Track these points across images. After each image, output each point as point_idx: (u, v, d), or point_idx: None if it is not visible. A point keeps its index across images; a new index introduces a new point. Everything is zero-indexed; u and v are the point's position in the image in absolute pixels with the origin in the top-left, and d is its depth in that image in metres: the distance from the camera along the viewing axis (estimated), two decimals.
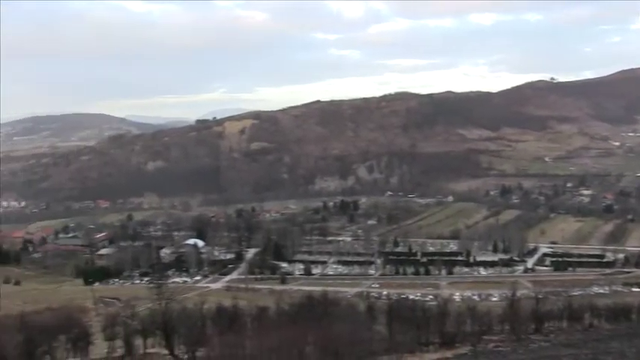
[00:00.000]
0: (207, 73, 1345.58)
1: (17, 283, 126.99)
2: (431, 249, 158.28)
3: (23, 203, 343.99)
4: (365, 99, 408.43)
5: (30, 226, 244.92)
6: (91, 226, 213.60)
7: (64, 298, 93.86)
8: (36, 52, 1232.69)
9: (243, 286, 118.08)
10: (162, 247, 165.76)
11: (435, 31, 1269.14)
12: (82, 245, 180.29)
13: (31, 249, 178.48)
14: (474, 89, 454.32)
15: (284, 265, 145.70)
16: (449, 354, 40.49)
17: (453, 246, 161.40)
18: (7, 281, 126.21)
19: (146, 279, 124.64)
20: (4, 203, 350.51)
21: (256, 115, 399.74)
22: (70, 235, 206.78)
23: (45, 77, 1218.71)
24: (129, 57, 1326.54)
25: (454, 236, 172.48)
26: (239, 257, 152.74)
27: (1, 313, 65.63)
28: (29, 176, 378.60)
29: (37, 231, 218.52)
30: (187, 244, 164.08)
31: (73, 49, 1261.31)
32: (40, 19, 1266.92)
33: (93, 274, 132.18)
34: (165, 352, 50.54)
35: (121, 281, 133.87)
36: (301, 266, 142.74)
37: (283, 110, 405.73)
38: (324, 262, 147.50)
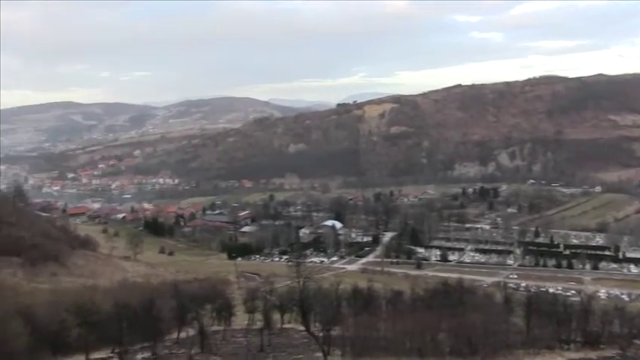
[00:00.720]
0: (347, 58, 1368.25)
1: (170, 253, 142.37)
2: (574, 241, 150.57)
3: (176, 181, 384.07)
4: (507, 83, 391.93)
5: (182, 202, 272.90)
6: (236, 205, 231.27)
7: (210, 270, 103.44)
8: (188, 41, 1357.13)
9: (378, 269, 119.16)
10: (301, 227, 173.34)
11: (585, 11, 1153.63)
12: (226, 222, 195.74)
13: (182, 223, 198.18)
14: (630, 71, 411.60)
15: (420, 250, 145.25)
16: (593, 355, 37.18)
17: (599, 240, 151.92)
18: (161, 251, 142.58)
19: (285, 257, 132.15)
20: (161, 180, 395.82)
21: (396, 99, 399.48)
22: (216, 212, 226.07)
23: (196, 64, 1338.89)
24: (273, 43, 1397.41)
25: (601, 229, 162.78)
26: (375, 240, 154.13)
27: (158, 279, 74.57)
28: (182, 156, 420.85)
29: (188, 207, 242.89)
30: (325, 225, 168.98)
31: (222, 36, 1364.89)
32: (193, 10, 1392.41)
33: (236, 250, 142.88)
34: (301, 328, 52.95)
35: (262, 258, 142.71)
36: (438, 252, 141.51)
37: (423, 94, 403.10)
38: (461, 250, 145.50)
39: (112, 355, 36.12)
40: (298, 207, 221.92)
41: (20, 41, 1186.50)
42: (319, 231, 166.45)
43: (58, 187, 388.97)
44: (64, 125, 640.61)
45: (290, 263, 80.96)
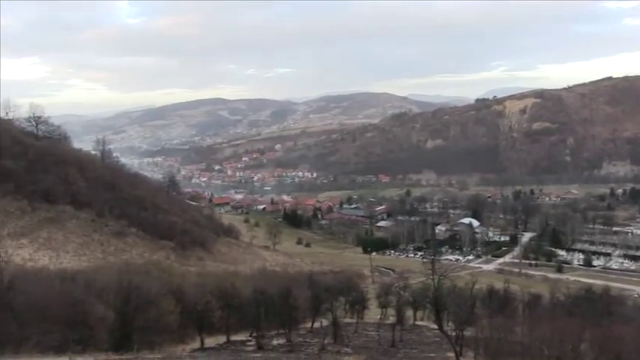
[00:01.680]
0: (486, 51, 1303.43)
1: (307, 245, 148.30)
2: None
3: (315, 174, 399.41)
4: None
5: (319, 195, 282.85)
6: (372, 199, 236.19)
7: (345, 263, 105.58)
8: (328, 38, 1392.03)
9: (516, 270, 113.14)
10: (437, 224, 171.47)
11: None
12: (362, 216, 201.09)
13: (319, 216, 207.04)
14: None
15: (561, 253, 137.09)
16: None
17: None
18: (299, 242, 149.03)
19: (420, 253, 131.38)
20: (300, 174, 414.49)
21: (539, 94, 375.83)
22: (352, 206, 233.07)
23: (335, 60, 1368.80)
24: (411, 37, 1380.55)
25: None
26: (513, 240, 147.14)
27: (294, 269, 77.95)
28: (320, 150, 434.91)
29: (325, 200, 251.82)
30: (462, 223, 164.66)
31: (360, 32, 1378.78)
32: (334, 7, 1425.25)
33: (371, 244, 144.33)
34: (434, 326, 51.95)
35: (396, 253, 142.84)
36: (580, 256, 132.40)
37: (568, 88, 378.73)
38: (607, 254, 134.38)
39: (250, 338, 38.47)
40: (435, 203, 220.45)
41: (176, 44, 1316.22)
42: (455, 228, 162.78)
43: (205, 178, 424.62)
44: (212, 120, 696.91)
45: (425, 260, 79.84)
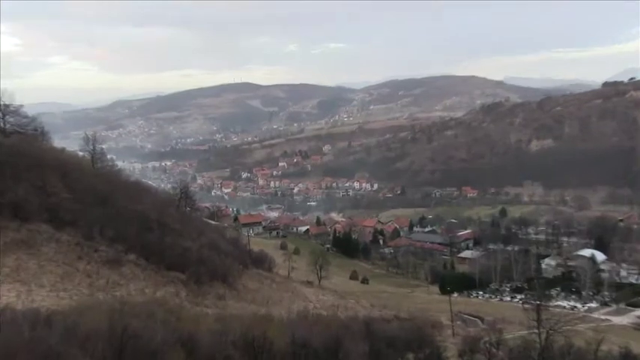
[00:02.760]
0: (622, 16, 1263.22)
1: (365, 280, 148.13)
2: None
3: (375, 186, 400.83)
4: None
5: (382, 215, 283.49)
6: (453, 220, 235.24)
7: (416, 306, 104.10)
8: (395, 6, 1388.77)
9: None
10: (544, 257, 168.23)
11: None
12: (440, 243, 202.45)
13: (381, 242, 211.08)
14: None
15: None
16: None
17: None
18: (353, 277, 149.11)
19: (519, 297, 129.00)
20: (356, 185, 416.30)
21: None
22: (427, 229, 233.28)
23: (406, 35, 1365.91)
24: (510, 2, 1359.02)
25: None
26: None
27: (347, 313, 77.47)
28: (384, 153, 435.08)
29: (390, 221, 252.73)
30: (580, 256, 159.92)
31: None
32: None
33: (451, 282, 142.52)
34: None
35: (486, 295, 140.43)
36: None
37: None
38: None
39: None
40: (541, 228, 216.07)
41: (193, 11, 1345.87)
42: (571, 263, 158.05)
43: (229, 190, 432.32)
44: (239, 112, 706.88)
45: (527, 306, 77.82)
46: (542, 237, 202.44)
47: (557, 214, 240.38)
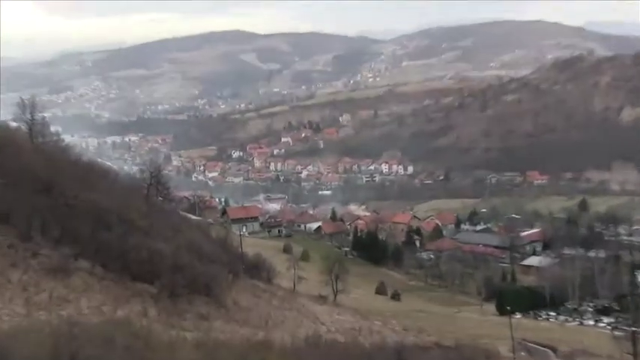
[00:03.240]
0: None
1: (395, 295, 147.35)
2: None
3: (410, 169, 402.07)
4: None
5: (419, 207, 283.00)
6: (515, 216, 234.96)
7: (464, 331, 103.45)
8: None
9: None
10: None
11: None
12: (496, 247, 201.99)
13: (417, 244, 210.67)
14: None
15: None
16: None
17: None
18: (380, 291, 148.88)
19: (607, 320, 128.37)
20: (384, 167, 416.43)
21: None
22: (479, 227, 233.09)
23: None
24: None
25: None
26: None
27: (371, 339, 77.16)
28: (421, 126, 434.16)
29: (429, 216, 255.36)
30: None
31: None
32: None
33: (512, 299, 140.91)
34: None
35: (561, 318, 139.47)
36: None
37: None
38: None
39: None
40: (636, 227, 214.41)
41: None
42: None
43: (215, 173, 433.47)
44: (229, 71, 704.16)
45: (617, 333, 77.13)
46: (635, 239, 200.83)
47: None
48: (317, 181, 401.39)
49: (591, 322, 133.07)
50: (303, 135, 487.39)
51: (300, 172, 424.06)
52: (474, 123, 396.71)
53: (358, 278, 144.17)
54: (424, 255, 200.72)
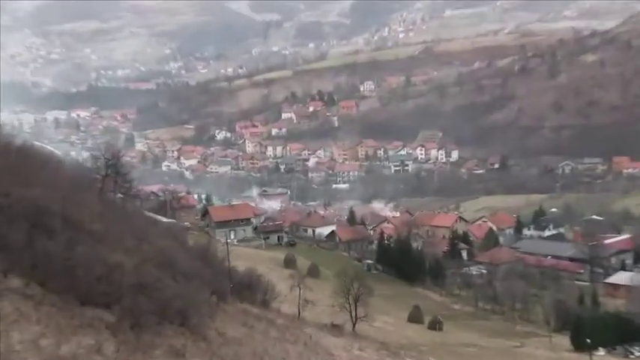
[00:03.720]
0: None
1: (435, 324, 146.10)
2: None
3: (455, 154, 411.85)
4: None
5: (466, 205, 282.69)
6: (596, 217, 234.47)
7: None
8: None
9: None
10: None
11: None
12: (571, 259, 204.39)
13: (465, 254, 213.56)
14: None
15: None
16: None
17: None
18: (415, 318, 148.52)
19: None
20: (419, 152, 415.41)
21: None
22: (547, 232, 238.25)
23: None
24: None
25: None
26: None
27: None
28: (470, 97, 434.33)
29: (481, 218, 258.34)
30: None
31: None
32: None
33: (593, 329, 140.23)
34: None
35: None
36: None
37: None
38: None
39: None
40: None
41: None
42: None
43: (193, 161, 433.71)
44: (211, 24, 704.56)
45: None
46: None
47: None
48: (330, 171, 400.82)
49: None
50: (311, 109, 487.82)
51: (307, 159, 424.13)
52: (540, 93, 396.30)
53: (385, 301, 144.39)
54: (474, 270, 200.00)
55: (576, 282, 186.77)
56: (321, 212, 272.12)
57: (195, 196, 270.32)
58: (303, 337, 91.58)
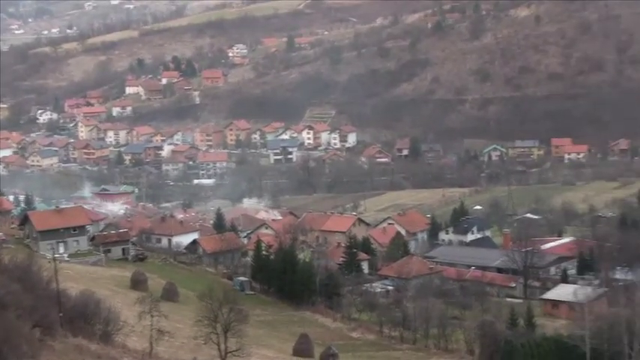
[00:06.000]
0: None
1: (329, 358, 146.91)
2: None
3: (352, 138, 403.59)
4: None
5: (367, 202, 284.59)
6: (531, 216, 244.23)
7: None
8: None
9: None
10: None
11: None
12: (500, 270, 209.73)
13: (366, 266, 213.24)
14: None
15: None
16: None
17: None
18: (302, 351, 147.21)
19: None
20: (306, 136, 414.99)
21: None
22: (469, 236, 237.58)
23: None
24: None
25: None
26: None
27: None
28: (370, 63, 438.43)
29: (385, 219, 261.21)
30: None
31: None
32: None
33: (530, 359, 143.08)
34: None
35: None
36: None
37: None
38: None
39: None
40: None
41: None
42: None
43: (7, 152, 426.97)
44: None
45: None
46: None
47: None
48: (190, 163, 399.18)
49: None
50: (164, 82, 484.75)
51: (161, 148, 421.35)
52: (460, 58, 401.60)
53: (265, 329, 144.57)
54: (377, 287, 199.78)
55: (507, 299, 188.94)
56: (180, 216, 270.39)
57: (11, 198, 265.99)
58: None
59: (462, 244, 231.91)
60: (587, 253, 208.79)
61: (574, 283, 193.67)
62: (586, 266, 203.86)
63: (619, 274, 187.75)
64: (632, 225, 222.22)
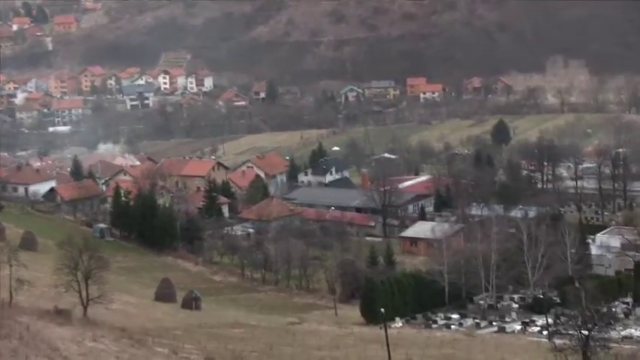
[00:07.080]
0: None
1: (192, 302, 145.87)
2: None
3: (209, 82, 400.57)
4: None
5: (225, 145, 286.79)
6: (388, 155, 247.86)
7: (309, 356, 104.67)
8: None
9: None
10: (596, 229, 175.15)
11: None
12: (359, 209, 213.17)
13: (226, 210, 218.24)
14: None
15: None
16: None
17: None
18: (164, 295, 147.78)
19: (542, 322, 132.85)
20: (162, 80, 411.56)
21: None
22: (328, 177, 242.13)
23: None
24: None
25: None
26: None
27: None
28: (228, 7, 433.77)
29: (244, 162, 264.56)
30: None
31: None
32: None
33: (387, 296, 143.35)
34: None
35: (468, 322, 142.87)
36: None
37: None
38: None
39: None
40: (586, 165, 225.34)
41: None
42: None
43: None
44: None
45: (560, 342, 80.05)
46: (589, 185, 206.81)
47: (628, 131, 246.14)
48: (45, 110, 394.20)
49: (517, 327, 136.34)
50: (14, 28, 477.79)
51: (14, 95, 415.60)
52: (314, 0, 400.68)
53: (126, 276, 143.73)
54: (238, 230, 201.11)
55: (367, 238, 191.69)
56: (36, 164, 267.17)
57: None
58: (18, 329, 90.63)
59: (321, 185, 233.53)
60: (443, 191, 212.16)
61: (431, 220, 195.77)
62: (443, 203, 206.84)
63: (474, 210, 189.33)
64: (486, 162, 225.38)
